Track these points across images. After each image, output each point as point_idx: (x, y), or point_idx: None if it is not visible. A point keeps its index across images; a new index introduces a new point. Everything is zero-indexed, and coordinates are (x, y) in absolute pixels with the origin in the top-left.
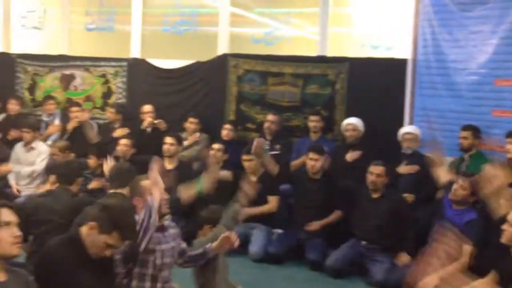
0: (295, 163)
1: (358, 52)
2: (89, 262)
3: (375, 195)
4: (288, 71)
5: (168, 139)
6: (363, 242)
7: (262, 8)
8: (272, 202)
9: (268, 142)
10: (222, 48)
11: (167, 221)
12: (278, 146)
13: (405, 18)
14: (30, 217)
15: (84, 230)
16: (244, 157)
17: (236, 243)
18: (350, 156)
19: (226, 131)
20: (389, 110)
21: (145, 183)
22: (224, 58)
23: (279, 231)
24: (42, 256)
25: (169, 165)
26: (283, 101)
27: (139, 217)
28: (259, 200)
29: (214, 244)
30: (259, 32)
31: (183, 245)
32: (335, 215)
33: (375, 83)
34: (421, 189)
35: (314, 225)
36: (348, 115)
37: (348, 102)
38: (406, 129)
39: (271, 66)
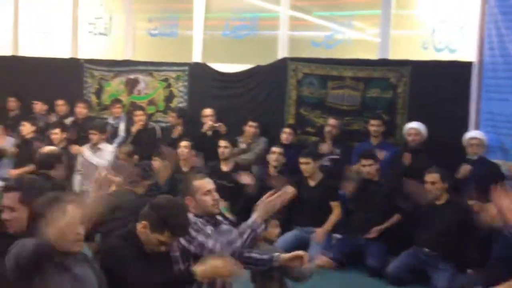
0: (353, 168)
1: (420, 55)
2: (146, 257)
3: (438, 202)
4: (348, 74)
5: (222, 142)
6: (425, 250)
7: (322, 12)
8: (337, 208)
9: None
10: (282, 52)
11: (220, 216)
12: (338, 151)
13: (470, 19)
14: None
15: (138, 227)
16: (302, 159)
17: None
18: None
19: (286, 135)
20: (454, 115)
21: (197, 183)
22: (283, 62)
23: (338, 236)
24: (104, 251)
25: (224, 167)
26: (343, 105)
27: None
28: (322, 205)
29: (284, 256)
30: (319, 35)
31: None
32: (394, 219)
33: (439, 87)
34: None
35: (373, 232)
36: (410, 119)
37: (410, 106)
38: (472, 134)
39: (331, 70)
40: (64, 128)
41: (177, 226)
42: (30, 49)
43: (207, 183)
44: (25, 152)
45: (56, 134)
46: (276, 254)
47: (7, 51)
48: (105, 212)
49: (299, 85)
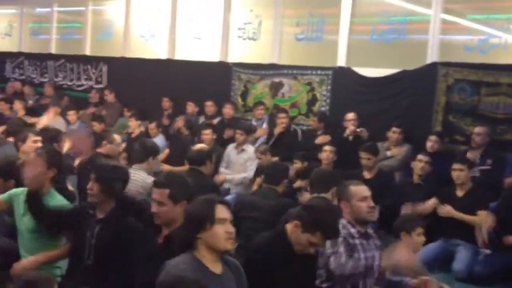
0: (509, 180)
1: None
2: (294, 258)
3: None
4: (504, 81)
5: (363, 154)
6: None
7: (476, 15)
8: (480, 216)
9: (478, 156)
10: (432, 56)
11: (370, 229)
12: (489, 161)
13: None
14: (237, 213)
15: (289, 227)
16: (456, 166)
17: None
18: None
19: (431, 143)
20: None
21: (353, 188)
22: (433, 66)
23: (487, 251)
24: (250, 252)
25: (368, 175)
26: (498, 113)
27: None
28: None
29: (414, 281)
30: (473, 39)
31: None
32: None
33: None
34: None
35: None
36: None
37: None
38: None
39: (485, 76)
40: (214, 129)
41: (329, 227)
42: (183, 52)
43: (364, 190)
44: (177, 148)
45: (208, 135)
46: (407, 279)
47: (163, 55)
48: (244, 209)
49: (449, 91)
